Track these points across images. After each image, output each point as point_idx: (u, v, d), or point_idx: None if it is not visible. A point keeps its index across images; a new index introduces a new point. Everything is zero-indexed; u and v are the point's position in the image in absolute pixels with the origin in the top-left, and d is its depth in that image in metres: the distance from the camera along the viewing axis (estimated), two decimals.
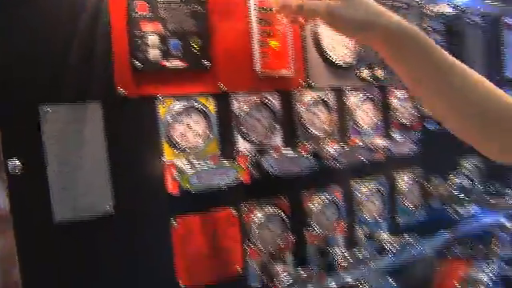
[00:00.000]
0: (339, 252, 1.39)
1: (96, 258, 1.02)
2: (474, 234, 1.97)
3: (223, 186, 1.11)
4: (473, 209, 1.92)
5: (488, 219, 2.02)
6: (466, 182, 1.88)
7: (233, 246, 1.22)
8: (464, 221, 1.92)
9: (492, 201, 1.98)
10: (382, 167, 1.59)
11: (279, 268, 1.24)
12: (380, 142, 1.49)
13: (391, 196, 1.64)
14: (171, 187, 1.08)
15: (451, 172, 1.87)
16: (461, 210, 1.85)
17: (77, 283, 1.00)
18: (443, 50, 0.96)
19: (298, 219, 1.35)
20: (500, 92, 0.96)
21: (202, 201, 1.16)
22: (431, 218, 1.79)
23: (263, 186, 1.26)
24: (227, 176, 1.07)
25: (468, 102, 0.96)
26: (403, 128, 1.66)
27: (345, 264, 1.39)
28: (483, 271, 1.85)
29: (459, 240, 1.93)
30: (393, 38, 0.95)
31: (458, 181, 1.85)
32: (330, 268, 1.41)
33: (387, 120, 1.62)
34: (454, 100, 0.97)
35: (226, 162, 1.11)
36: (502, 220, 2.07)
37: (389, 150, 1.53)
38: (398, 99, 1.64)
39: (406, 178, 1.67)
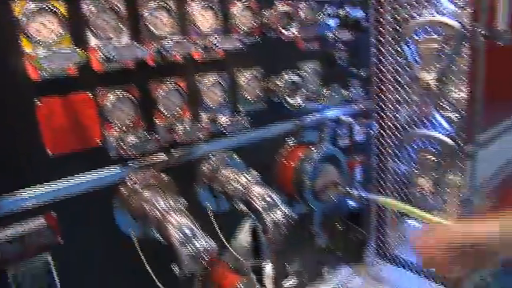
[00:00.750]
0: (184, 129, 1.73)
1: None
2: (313, 125, 2.45)
3: (78, 75, 1.39)
4: (309, 103, 2.37)
5: (327, 113, 2.51)
6: (299, 80, 2.26)
7: (92, 124, 1.52)
8: (305, 113, 2.37)
9: (328, 96, 2.46)
10: (223, 64, 1.90)
11: (131, 139, 1.58)
12: (217, 41, 1.78)
13: (232, 88, 1.96)
14: (32, 74, 1.35)
15: (289, 71, 2.19)
16: (296, 103, 2.26)
17: None
18: None
19: (147, 104, 1.66)
20: None
21: (62, 86, 1.43)
22: (272, 110, 2.18)
23: (114, 74, 1.54)
24: (75, 61, 1.35)
25: None
26: (243, 33, 1.94)
27: (189, 139, 1.76)
28: (316, 152, 2.33)
29: (301, 128, 2.39)
30: None
31: (294, 78, 2.21)
32: (176, 144, 1.77)
33: (227, 26, 1.89)
34: None
35: (75, 49, 1.39)
36: (338, 114, 2.58)
37: (226, 49, 1.83)
38: (238, 9, 1.91)
39: (246, 74, 1.99)
